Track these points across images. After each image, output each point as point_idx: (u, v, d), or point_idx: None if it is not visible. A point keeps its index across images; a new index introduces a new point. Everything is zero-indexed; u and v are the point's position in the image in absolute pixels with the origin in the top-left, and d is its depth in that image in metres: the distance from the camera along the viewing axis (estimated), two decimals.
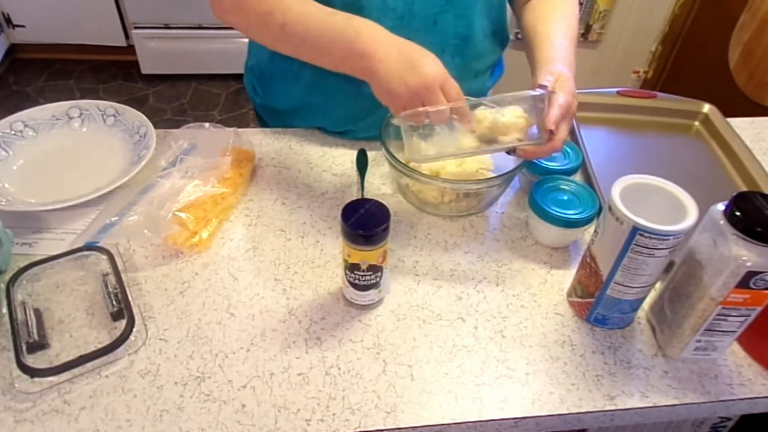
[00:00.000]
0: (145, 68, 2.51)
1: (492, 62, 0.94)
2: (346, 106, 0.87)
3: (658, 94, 1.01)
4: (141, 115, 0.87)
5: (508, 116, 0.71)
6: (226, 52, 2.46)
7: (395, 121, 0.70)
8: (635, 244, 0.58)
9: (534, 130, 0.71)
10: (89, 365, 0.60)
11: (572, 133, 0.83)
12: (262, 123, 1.05)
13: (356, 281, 0.65)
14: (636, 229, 0.57)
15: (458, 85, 0.68)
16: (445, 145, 0.71)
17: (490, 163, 0.83)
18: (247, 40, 0.99)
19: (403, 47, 0.68)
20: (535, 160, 0.80)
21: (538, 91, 0.69)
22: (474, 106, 0.71)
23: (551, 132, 0.68)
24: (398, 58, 0.67)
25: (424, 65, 0.67)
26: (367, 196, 0.83)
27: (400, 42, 0.68)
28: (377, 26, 0.69)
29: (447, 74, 0.68)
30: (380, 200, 0.62)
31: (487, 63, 0.92)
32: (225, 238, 0.76)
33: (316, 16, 0.70)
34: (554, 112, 0.68)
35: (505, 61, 1.00)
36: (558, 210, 0.73)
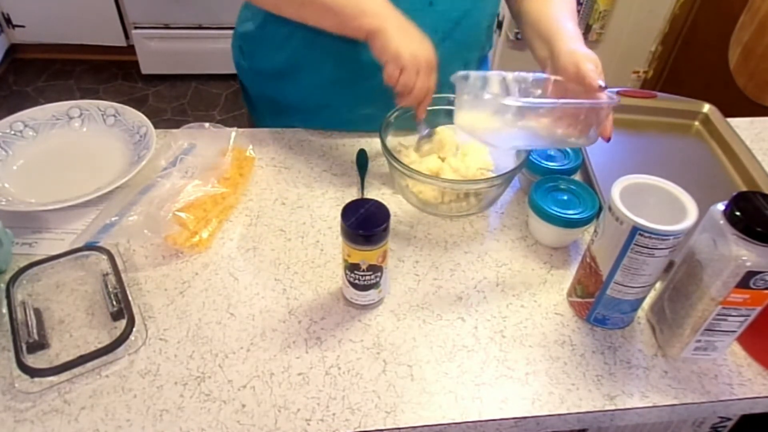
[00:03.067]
0: (145, 68, 2.51)
1: (480, 56, 0.95)
2: (334, 68, 0.88)
3: (658, 94, 1.01)
4: (141, 115, 0.87)
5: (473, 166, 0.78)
6: (226, 52, 2.41)
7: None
8: (635, 244, 0.58)
9: (592, 131, 0.72)
10: (89, 365, 0.60)
11: None
12: (250, 105, 1.04)
13: (356, 281, 0.65)
14: (636, 229, 0.57)
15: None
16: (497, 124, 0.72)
17: (490, 163, 0.83)
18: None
19: (406, 21, 0.73)
20: (534, 160, 0.80)
21: (615, 99, 0.70)
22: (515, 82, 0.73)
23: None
24: (405, 27, 0.72)
25: (429, 46, 0.72)
26: (367, 196, 0.83)
27: (402, 17, 0.73)
28: None
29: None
30: (380, 200, 0.62)
31: (477, 55, 0.94)
32: (225, 238, 0.76)
33: None
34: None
35: (504, 60, 1.00)
36: (558, 210, 0.73)
